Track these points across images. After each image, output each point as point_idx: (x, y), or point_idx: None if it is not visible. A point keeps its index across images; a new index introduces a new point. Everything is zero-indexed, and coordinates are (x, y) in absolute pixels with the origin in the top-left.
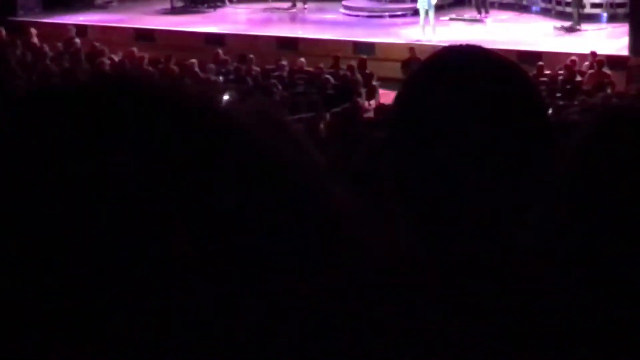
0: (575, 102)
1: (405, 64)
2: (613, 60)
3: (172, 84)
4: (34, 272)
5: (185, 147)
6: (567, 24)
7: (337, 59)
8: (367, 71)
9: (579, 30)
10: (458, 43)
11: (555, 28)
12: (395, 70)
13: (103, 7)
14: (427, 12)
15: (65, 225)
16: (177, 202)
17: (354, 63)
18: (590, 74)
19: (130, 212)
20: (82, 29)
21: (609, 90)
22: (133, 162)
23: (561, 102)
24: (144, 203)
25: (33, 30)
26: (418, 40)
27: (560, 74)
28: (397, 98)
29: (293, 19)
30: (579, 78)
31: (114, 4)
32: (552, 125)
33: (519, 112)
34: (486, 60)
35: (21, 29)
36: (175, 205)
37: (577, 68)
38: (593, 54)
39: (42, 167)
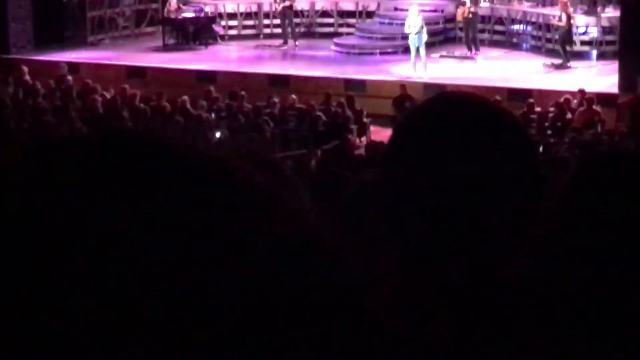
0: (566, 139)
1: (397, 100)
2: (603, 98)
3: (173, 138)
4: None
5: (185, 204)
6: (557, 61)
7: (328, 96)
8: (358, 108)
9: (568, 67)
10: (444, 82)
11: (545, 65)
12: (386, 107)
13: (95, 45)
14: (417, 50)
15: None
16: (174, 257)
17: (342, 100)
18: (580, 111)
19: (128, 270)
20: (74, 66)
21: (599, 128)
22: (133, 217)
23: (552, 139)
24: (142, 260)
25: (25, 68)
26: (409, 78)
27: (551, 111)
28: (390, 139)
29: (284, 56)
30: (569, 115)
31: (106, 41)
32: (541, 166)
33: (509, 157)
34: (479, 107)
35: (13, 66)
36: (172, 261)
37: (567, 105)
38: (581, 91)
39: (45, 223)
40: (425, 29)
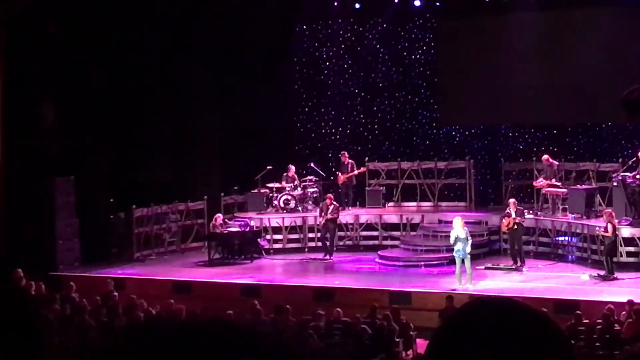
0: (616, 352)
1: (443, 313)
2: None
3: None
4: None
5: None
6: (602, 272)
7: (374, 309)
8: (404, 320)
9: (615, 279)
10: (490, 293)
11: (591, 277)
12: (432, 320)
13: (141, 261)
14: (463, 261)
15: None
16: None
17: (388, 313)
18: (629, 322)
19: None
20: (120, 282)
21: None
22: None
23: (601, 352)
24: None
25: (72, 284)
26: (455, 290)
27: (599, 323)
28: (428, 347)
29: (329, 269)
30: (617, 327)
31: (153, 257)
32: None
33: None
34: (517, 313)
35: (61, 283)
36: None
37: (614, 317)
38: (630, 302)
39: None
40: (470, 241)
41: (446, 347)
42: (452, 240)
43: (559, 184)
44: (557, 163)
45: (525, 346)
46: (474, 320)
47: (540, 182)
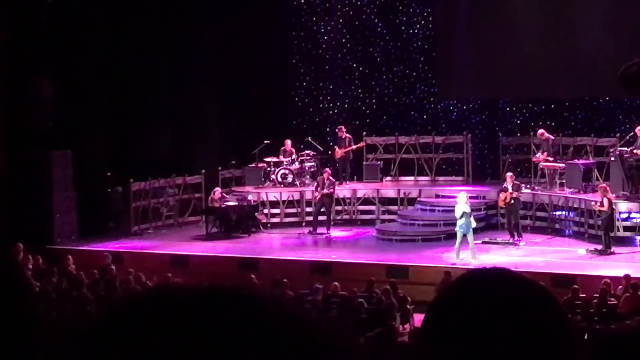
0: (612, 327)
1: (440, 287)
2: None
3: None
4: None
5: None
6: (599, 247)
7: (371, 283)
8: (401, 294)
9: (612, 253)
10: (485, 266)
11: (588, 251)
12: (429, 294)
13: (139, 234)
14: (464, 236)
15: None
16: None
17: (387, 287)
18: (626, 297)
19: None
20: (118, 256)
21: None
22: None
23: (597, 326)
24: None
25: (70, 258)
26: (454, 264)
27: (595, 298)
28: (424, 320)
29: (327, 243)
30: (613, 301)
31: (150, 230)
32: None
33: (545, 334)
34: (512, 282)
35: (58, 257)
36: None
37: (611, 291)
38: (627, 277)
39: None
40: (472, 216)
41: (442, 318)
42: (458, 215)
43: (551, 158)
44: (552, 137)
45: (522, 315)
46: (470, 291)
47: (539, 157)
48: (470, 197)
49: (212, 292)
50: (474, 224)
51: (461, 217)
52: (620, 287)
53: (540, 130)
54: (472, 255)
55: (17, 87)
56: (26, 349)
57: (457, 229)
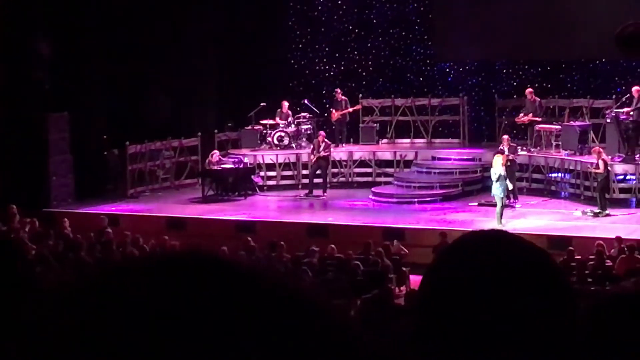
0: (607, 288)
1: (437, 249)
2: None
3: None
4: None
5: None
6: (595, 209)
7: (367, 246)
8: (396, 257)
9: (607, 215)
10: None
11: (584, 213)
12: (425, 256)
13: (135, 197)
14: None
15: None
16: None
17: (380, 249)
18: (622, 258)
19: None
20: (114, 219)
21: None
22: None
23: (592, 287)
24: None
25: (66, 221)
26: (451, 223)
27: (591, 259)
28: (422, 283)
29: (323, 206)
30: (609, 263)
31: (147, 193)
32: (579, 309)
33: (545, 294)
34: (509, 244)
35: (54, 219)
36: None
37: (606, 253)
38: (618, 239)
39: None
40: (507, 180)
41: (440, 280)
42: (494, 178)
43: (539, 119)
44: (539, 99)
45: (520, 276)
46: (466, 252)
47: (521, 117)
48: (466, 160)
49: (177, 259)
50: (509, 186)
51: (497, 180)
52: (612, 249)
53: (529, 89)
54: (499, 219)
55: (14, 46)
56: (22, 311)
57: (493, 192)
